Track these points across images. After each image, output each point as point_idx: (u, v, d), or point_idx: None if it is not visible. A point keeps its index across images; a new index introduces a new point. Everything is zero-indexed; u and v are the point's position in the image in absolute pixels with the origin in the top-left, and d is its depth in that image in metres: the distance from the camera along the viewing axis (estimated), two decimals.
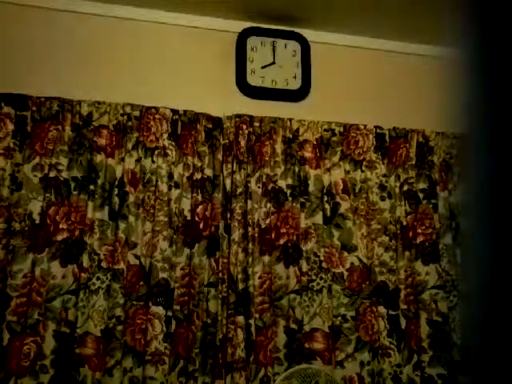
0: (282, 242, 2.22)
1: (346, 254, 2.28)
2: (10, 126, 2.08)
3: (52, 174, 2.07)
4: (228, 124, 2.30)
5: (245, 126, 2.30)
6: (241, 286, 2.12)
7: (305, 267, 2.22)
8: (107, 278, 2.02)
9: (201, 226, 2.17)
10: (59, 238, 2.02)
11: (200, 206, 2.19)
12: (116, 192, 2.12)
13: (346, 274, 2.26)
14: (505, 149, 0.42)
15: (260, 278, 2.16)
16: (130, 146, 2.18)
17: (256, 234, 2.20)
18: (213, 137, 2.28)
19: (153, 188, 2.15)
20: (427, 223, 2.39)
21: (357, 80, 2.62)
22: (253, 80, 2.44)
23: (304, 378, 1.91)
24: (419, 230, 2.38)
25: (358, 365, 2.18)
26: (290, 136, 2.36)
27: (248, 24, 2.52)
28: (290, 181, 2.29)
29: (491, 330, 0.41)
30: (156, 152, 2.20)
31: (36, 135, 2.10)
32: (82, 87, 2.26)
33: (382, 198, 2.38)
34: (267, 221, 2.23)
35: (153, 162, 2.19)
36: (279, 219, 2.25)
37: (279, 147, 2.33)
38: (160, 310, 2.04)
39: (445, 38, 2.53)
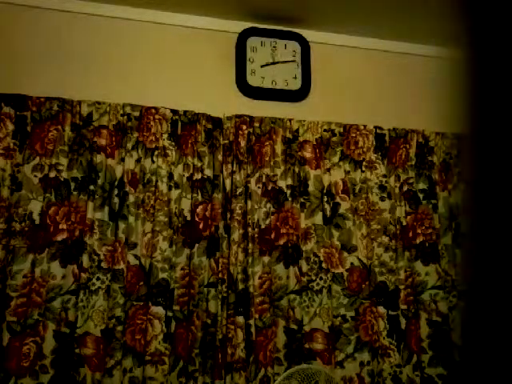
0: (281, 242, 2.22)
1: (345, 254, 2.28)
2: (10, 126, 2.08)
3: (52, 175, 2.07)
4: (228, 124, 2.30)
5: (245, 127, 2.30)
6: (241, 286, 2.12)
7: (305, 267, 2.22)
8: (107, 279, 2.02)
9: (201, 226, 2.17)
10: (59, 238, 2.02)
11: (200, 207, 2.19)
12: (116, 192, 2.12)
13: (345, 274, 2.26)
14: (505, 149, 0.42)
15: (260, 278, 2.16)
16: (129, 146, 2.18)
17: (256, 235, 2.20)
18: (213, 137, 2.28)
19: (153, 188, 2.15)
20: (427, 223, 2.39)
21: (357, 80, 2.63)
22: (253, 80, 2.44)
23: (304, 378, 1.91)
24: (419, 230, 2.38)
25: (357, 365, 2.18)
26: (290, 136, 2.36)
27: (248, 24, 2.52)
28: (289, 181, 2.29)
29: (491, 329, 0.41)
30: (156, 152, 2.20)
31: (36, 135, 2.10)
32: (82, 87, 2.26)
33: (382, 199, 2.38)
34: (267, 221, 2.23)
35: (153, 162, 2.19)
36: (279, 219, 2.25)
37: (279, 147, 2.33)
38: (160, 310, 2.04)
39: (444, 37, 2.53)
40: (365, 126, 2.46)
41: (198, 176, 2.21)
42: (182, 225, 2.14)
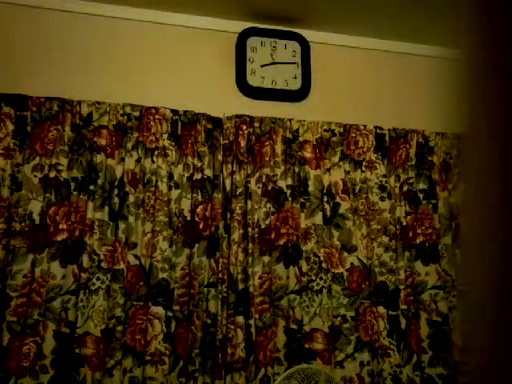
0: (281, 242, 2.22)
1: (345, 254, 2.28)
2: (10, 126, 2.08)
3: (52, 175, 2.07)
4: (228, 124, 2.30)
5: (245, 127, 2.30)
6: (241, 286, 2.12)
7: (305, 267, 2.22)
8: (107, 279, 2.02)
9: (201, 226, 2.17)
10: (59, 238, 2.02)
11: (200, 207, 2.19)
12: (116, 192, 2.12)
13: (345, 274, 2.26)
14: (505, 148, 0.42)
15: (260, 278, 2.16)
16: (129, 146, 2.18)
17: (256, 235, 2.20)
18: (213, 137, 2.28)
19: (153, 188, 2.15)
20: (427, 223, 2.39)
21: (357, 80, 2.63)
22: (253, 80, 2.44)
23: (304, 378, 1.91)
24: (419, 230, 2.38)
25: (357, 365, 2.18)
26: (290, 136, 2.36)
27: (248, 24, 2.52)
28: (289, 181, 2.29)
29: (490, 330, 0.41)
30: (156, 152, 2.20)
31: (36, 135, 2.10)
32: (82, 87, 2.26)
33: (382, 199, 2.38)
34: (267, 221, 2.23)
35: (153, 162, 2.19)
36: (279, 219, 2.25)
37: (279, 147, 2.33)
38: (160, 310, 2.04)
39: (445, 38, 2.53)
40: (365, 126, 2.46)
41: (198, 176, 2.21)
42: (182, 225, 2.14)
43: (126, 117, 2.20)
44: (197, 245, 2.14)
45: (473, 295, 0.43)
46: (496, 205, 0.42)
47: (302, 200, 2.29)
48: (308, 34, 2.58)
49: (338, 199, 2.34)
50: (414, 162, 2.46)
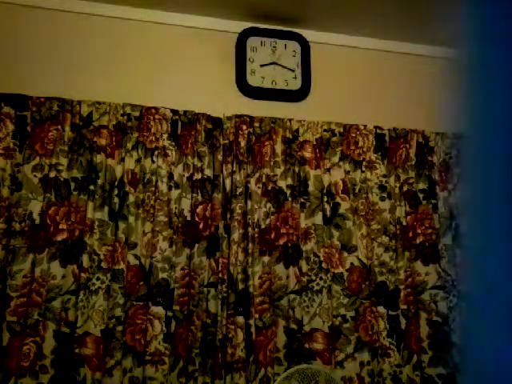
0: (281, 242, 2.22)
1: (345, 254, 2.28)
2: (10, 126, 2.08)
3: (52, 175, 2.07)
4: (228, 124, 2.30)
5: (245, 127, 2.30)
6: (240, 286, 2.12)
7: (305, 267, 2.22)
8: (107, 279, 2.02)
9: (201, 226, 2.17)
10: (59, 238, 2.02)
11: (200, 207, 2.19)
12: (116, 192, 2.12)
13: (345, 274, 2.26)
14: (504, 147, 0.42)
15: (260, 278, 2.16)
16: (129, 146, 2.18)
17: (256, 234, 2.20)
18: (213, 137, 2.28)
19: (153, 188, 2.15)
20: (427, 223, 2.39)
21: (357, 80, 2.63)
22: (253, 80, 2.44)
23: (304, 378, 1.91)
24: (419, 230, 2.38)
25: (357, 365, 2.18)
26: (290, 136, 2.36)
27: (248, 24, 2.52)
28: (289, 181, 2.29)
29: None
30: (156, 152, 2.20)
31: (36, 135, 2.10)
32: (82, 87, 2.26)
33: (382, 199, 2.38)
34: (267, 221, 2.23)
35: (153, 162, 2.19)
36: (279, 219, 2.25)
37: (279, 147, 2.33)
38: (160, 310, 2.04)
39: (444, 37, 2.53)
40: (365, 126, 2.46)
41: (198, 176, 2.21)
42: (182, 225, 2.14)
43: (125, 117, 2.20)
44: (197, 245, 2.14)
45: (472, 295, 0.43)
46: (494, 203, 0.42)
47: (301, 200, 2.29)
48: (308, 34, 2.58)
49: (338, 199, 2.34)
50: (413, 162, 2.46)
